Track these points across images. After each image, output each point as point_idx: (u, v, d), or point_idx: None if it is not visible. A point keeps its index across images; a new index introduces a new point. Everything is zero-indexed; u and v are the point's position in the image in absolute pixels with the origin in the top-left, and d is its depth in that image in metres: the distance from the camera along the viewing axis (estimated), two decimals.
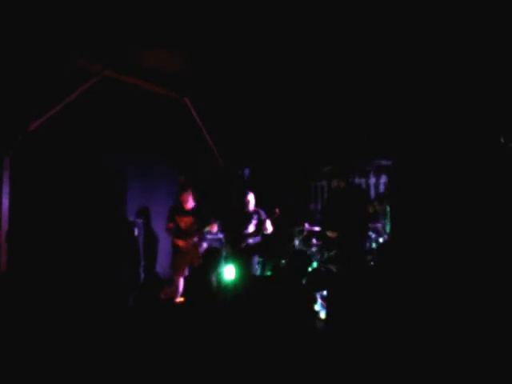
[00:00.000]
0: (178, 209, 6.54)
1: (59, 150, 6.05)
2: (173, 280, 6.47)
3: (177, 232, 6.50)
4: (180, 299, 6.39)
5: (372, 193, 7.79)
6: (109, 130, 6.59)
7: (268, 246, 6.89)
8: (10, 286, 5.28)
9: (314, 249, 6.83)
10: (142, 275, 6.80)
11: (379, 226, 6.59)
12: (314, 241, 6.95)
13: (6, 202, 5.55)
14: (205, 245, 6.63)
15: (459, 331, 4.02)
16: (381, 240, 6.41)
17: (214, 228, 6.54)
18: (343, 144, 7.68)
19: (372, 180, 7.89)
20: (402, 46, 5.53)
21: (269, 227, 6.45)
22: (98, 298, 5.66)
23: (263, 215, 6.53)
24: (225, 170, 8.28)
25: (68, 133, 6.11)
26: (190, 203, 6.54)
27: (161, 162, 7.56)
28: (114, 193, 6.83)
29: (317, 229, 6.91)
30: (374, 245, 6.36)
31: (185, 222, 6.50)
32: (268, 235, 6.58)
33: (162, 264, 7.18)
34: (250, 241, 6.49)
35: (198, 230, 6.44)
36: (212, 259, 6.85)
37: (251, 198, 6.59)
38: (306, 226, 7.04)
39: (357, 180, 7.99)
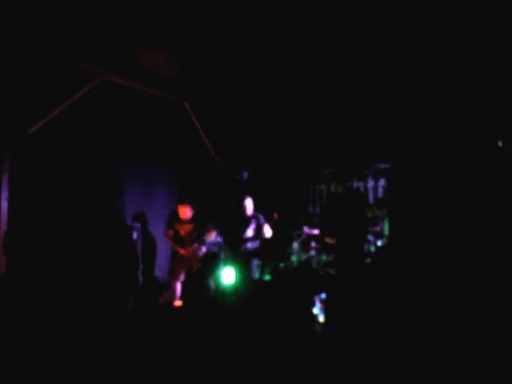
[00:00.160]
0: (178, 217, 6.53)
1: (59, 153, 6.04)
2: (170, 284, 6.46)
3: (176, 239, 6.50)
4: (178, 303, 6.38)
5: (370, 196, 7.80)
6: (108, 133, 6.59)
7: (267, 250, 6.89)
8: (9, 289, 5.27)
9: (312, 252, 6.83)
10: (141, 279, 6.79)
11: (378, 229, 6.59)
12: (313, 244, 6.95)
13: (4, 204, 5.54)
14: (204, 249, 6.63)
15: (458, 334, 4.02)
16: (379, 243, 6.42)
17: (213, 235, 6.56)
18: (342, 147, 7.69)
19: (370, 183, 7.90)
20: (400, 52, 5.56)
21: (267, 232, 6.46)
22: (96, 302, 5.65)
23: (262, 220, 6.53)
24: (224, 174, 8.28)
25: (67, 135, 6.11)
26: (188, 215, 6.52)
27: (160, 165, 7.56)
28: (113, 196, 6.82)
29: (315, 232, 6.91)
30: (372, 248, 6.36)
31: (185, 229, 6.50)
32: (267, 239, 6.59)
33: (161, 268, 7.16)
34: (249, 245, 6.49)
35: (198, 237, 6.46)
36: (211, 263, 6.86)
37: (249, 202, 6.58)
38: (305, 229, 7.05)
39: (355, 183, 8.00)
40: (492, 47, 4.95)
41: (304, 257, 6.86)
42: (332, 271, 5.74)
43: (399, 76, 5.91)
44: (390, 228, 5.95)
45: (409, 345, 4.01)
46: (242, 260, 6.42)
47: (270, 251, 7.08)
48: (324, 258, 6.38)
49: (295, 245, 7.02)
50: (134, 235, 6.79)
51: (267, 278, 6.89)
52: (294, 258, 6.94)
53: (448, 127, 5.21)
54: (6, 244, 5.53)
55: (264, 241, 6.61)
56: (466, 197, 4.87)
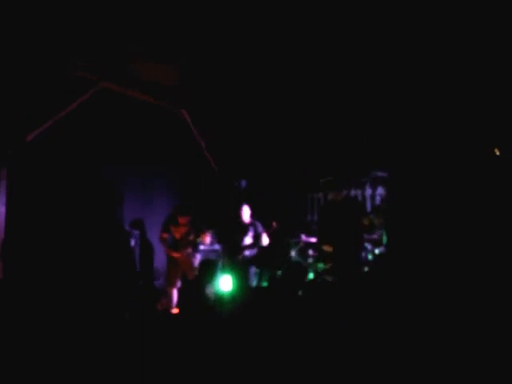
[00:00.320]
0: (174, 220, 6.53)
1: (57, 161, 6.06)
2: (166, 291, 6.45)
3: (171, 243, 6.49)
4: (176, 310, 6.36)
5: (368, 205, 7.81)
6: (106, 142, 6.61)
7: (264, 257, 6.88)
8: (6, 295, 5.25)
9: (310, 260, 6.83)
10: (139, 286, 6.78)
11: (375, 237, 6.60)
12: (311, 252, 6.95)
13: (2, 210, 5.54)
14: (198, 256, 6.62)
15: (456, 344, 4.02)
16: (377, 251, 6.42)
17: (207, 238, 6.52)
18: (339, 156, 7.72)
19: (368, 191, 7.91)
20: (398, 59, 5.59)
21: (265, 240, 6.46)
22: (94, 308, 5.63)
23: (260, 228, 6.53)
24: (222, 182, 8.30)
25: (66, 143, 6.13)
26: (187, 221, 6.52)
27: (158, 173, 7.58)
28: (112, 203, 6.83)
29: (313, 240, 6.91)
30: (370, 256, 6.37)
31: (180, 232, 6.49)
32: (264, 246, 6.59)
33: (159, 275, 7.15)
34: (247, 253, 6.49)
35: (193, 241, 6.43)
36: (208, 271, 6.84)
37: (246, 210, 6.59)
38: (303, 237, 7.05)
39: (353, 192, 8.01)
40: (492, 54, 4.99)
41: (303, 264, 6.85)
42: (330, 279, 5.74)
43: (398, 84, 5.95)
44: (388, 236, 5.97)
45: (407, 353, 4.00)
46: (239, 268, 6.41)
47: (267, 259, 7.08)
48: (321, 265, 6.38)
49: (293, 253, 7.02)
50: (132, 242, 6.79)
51: (265, 285, 6.88)
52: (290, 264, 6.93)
53: (446, 135, 5.24)
54: (4, 249, 5.52)
55: (262, 248, 6.61)
56: (465, 204, 4.89)
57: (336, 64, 5.83)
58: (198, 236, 6.39)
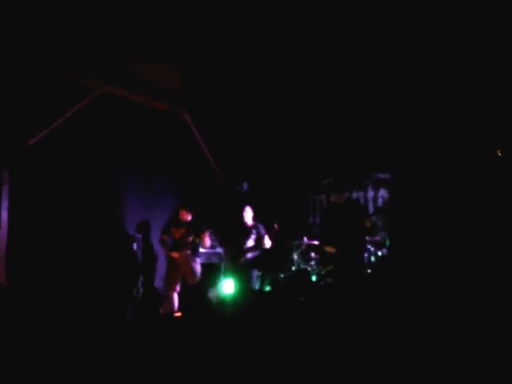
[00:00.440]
0: (176, 221, 6.53)
1: (58, 165, 6.06)
2: (167, 296, 6.43)
3: (171, 244, 6.49)
4: (178, 314, 6.35)
5: (370, 206, 7.80)
6: (108, 145, 6.61)
7: (267, 260, 6.87)
8: (9, 298, 5.25)
9: (312, 263, 6.81)
10: (141, 290, 6.77)
11: (378, 239, 6.58)
12: (313, 255, 6.93)
13: (5, 215, 5.55)
14: (199, 260, 6.60)
15: (458, 346, 4.00)
16: (380, 253, 6.41)
17: (206, 239, 6.48)
18: (342, 157, 7.71)
19: (370, 194, 7.90)
20: (399, 62, 5.59)
21: (267, 243, 6.44)
22: (96, 312, 5.62)
23: (262, 230, 6.51)
24: (224, 184, 8.29)
25: (67, 147, 6.13)
26: (188, 217, 6.52)
27: (160, 176, 7.58)
28: (113, 207, 6.83)
29: (315, 243, 6.90)
30: (372, 258, 6.35)
31: (180, 233, 6.47)
32: (267, 249, 6.57)
33: (161, 278, 7.14)
34: (249, 255, 6.47)
35: (193, 241, 6.40)
36: (211, 274, 6.84)
37: (248, 211, 6.58)
38: (305, 239, 7.03)
39: (355, 194, 7.99)
40: (494, 55, 4.98)
41: (304, 267, 6.84)
42: (332, 281, 5.73)
43: (400, 85, 5.94)
44: (391, 238, 5.95)
45: (408, 355, 3.99)
46: (242, 270, 6.40)
47: (269, 262, 7.06)
48: (323, 268, 6.38)
49: (295, 255, 7.00)
50: (134, 246, 6.79)
51: (267, 288, 6.87)
52: (294, 269, 6.92)
53: (449, 137, 5.23)
54: (7, 254, 5.52)
55: (264, 251, 6.59)
56: (468, 206, 4.87)
57: (338, 67, 5.83)
58: (197, 236, 6.37)
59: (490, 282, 4.39)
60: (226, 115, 7.58)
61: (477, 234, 4.70)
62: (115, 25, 4.81)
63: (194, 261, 6.47)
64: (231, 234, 6.69)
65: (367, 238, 6.06)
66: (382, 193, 7.75)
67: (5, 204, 5.56)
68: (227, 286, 6.23)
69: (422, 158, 5.50)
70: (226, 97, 6.94)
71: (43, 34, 4.97)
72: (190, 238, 6.39)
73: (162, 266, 7.23)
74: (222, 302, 6.18)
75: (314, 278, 6.40)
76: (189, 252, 6.39)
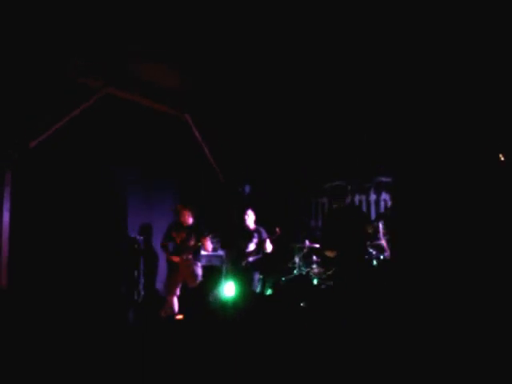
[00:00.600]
0: (177, 225, 6.52)
1: (60, 167, 6.07)
2: (166, 299, 6.42)
3: (172, 249, 6.49)
4: (179, 317, 6.34)
5: (372, 210, 7.78)
6: (110, 147, 6.62)
7: (268, 263, 6.85)
8: (11, 299, 5.25)
9: (314, 266, 6.80)
10: (142, 293, 6.77)
11: (380, 243, 6.55)
12: (315, 258, 6.92)
13: (6, 217, 5.55)
14: (200, 264, 6.59)
15: (460, 350, 3.98)
16: (381, 257, 6.39)
17: (208, 243, 6.47)
18: (343, 160, 7.70)
19: (372, 197, 7.89)
20: (401, 66, 5.59)
21: (269, 247, 6.43)
22: (97, 315, 5.62)
23: (264, 234, 6.50)
24: (225, 187, 8.29)
25: (69, 149, 6.14)
26: (188, 220, 6.51)
27: (162, 178, 7.58)
28: (115, 209, 6.83)
29: (317, 246, 6.88)
30: (374, 262, 6.33)
31: (181, 237, 6.47)
32: (268, 253, 6.55)
33: (163, 281, 7.14)
34: (251, 259, 6.46)
35: (194, 246, 6.40)
36: (212, 277, 6.82)
37: (250, 215, 6.57)
38: (307, 242, 7.01)
39: (357, 197, 7.98)
40: (496, 58, 4.97)
41: (305, 270, 6.82)
42: (332, 284, 5.71)
43: (402, 88, 5.94)
44: (393, 242, 5.93)
45: (409, 359, 3.97)
46: (243, 274, 6.39)
47: (271, 265, 7.05)
48: (324, 272, 6.36)
49: (297, 259, 6.98)
50: (136, 248, 6.79)
51: (269, 291, 6.86)
52: (295, 272, 6.90)
53: (451, 140, 5.22)
54: (9, 256, 5.53)
55: (265, 255, 6.58)
56: (471, 209, 4.86)
57: (340, 71, 5.83)
58: (198, 240, 6.36)
59: (492, 287, 4.38)
60: (228, 118, 7.59)
61: (480, 238, 4.68)
62: (117, 26, 4.82)
63: (196, 264, 6.46)
64: (233, 237, 6.68)
65: (369, 242, 6.05)
66: (384, 196, 7.73)
67: (7, 206, 5.57)
68: (228, 289, 6.22)
69: (424, 161, 5.49)
70: (228, 99, 6.95)
71: (44, 37, 4.98)
72: (192, 243, 6.38)
73: (163, 268, 7.22)
74: (223, 305, 6.17)
75: (315, 282, 6.38)
76: (190, 256, 6.38)
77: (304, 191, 8.62)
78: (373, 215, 7.67)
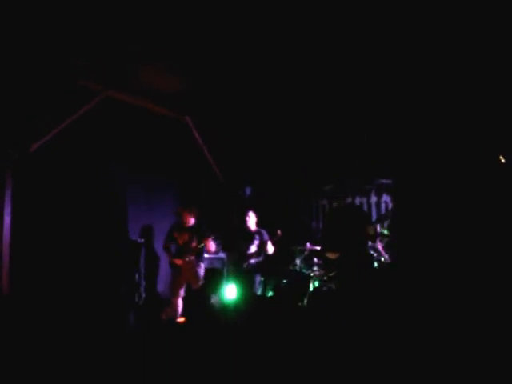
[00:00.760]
0: (179, 226, 6.52)
1: (61, 170, 6.07)
2: (170, 301, 6.42)
3: (175, 251, 6.48)
4: (181, 319, 6.34)
5: (373, 212, 7.78)
6: (110, 150, 6.63)
7: (270, 265, 6.85)
8: (13, 303, 5.26)
9: (315, 268, 6.79)
10: (143, 295, 6.76)
11: (381, 245, 6.55)
12: (316, 260, 6.91)
13: (8, 220, 5.56)
14: (203, 265, 6.58)
15: (461, 348, 3.98)
16: (383, 259, 6.38)
17: (210, 244, 6.45)
18: (344, 162, 7.70)
19: (373, 199, 7.88)
20: (400, 67, 5.59)
21: (270, 249, 6.43)
22: (98, 318, 5.62)
23: (265, 236, 6.49)
24: (226, 189, 8.29)
25: (70, 152, 6.14)
26: (191, 222, 6.51)
27: (162, 181, 7.58)
28: (116, 212, 6.83)
29: (318, 248, 6.87)
30: (375, 264, 6.32)
31: (183, 238, 6.47)
32: (270, 255, 6.55)
33: (164, 284, 7.14)
34: (252, 261, 6.46)
35: (196, 247, 6.39)
36: (214, 279, 6.82)
37: (252, 217, 6.56)
38: (308, 244, 7.01)
39: (358, 199, 7.97)
40: (498, 59, 4.97)
41: (307, 272, 6.82)
42: (334, 286, 5.71)
43: (403, 89, 5.94)
44: (394, 243, 5.92)
45: (409, 359, 3.97)
46: (244, 276, 6.39)
47: (272, 267, 7.05)
48: (325, 274, 6.35)
49: (298, 261, 6.98)
50: (137, 251, 6.79)
51: (270, 293, 6.86)
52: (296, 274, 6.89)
53: (453, 141, 5.21)
54: (10, 259, 5.53)
55: (267, 257, 6.58)
56: (473, 211, 4.84)
57: (341, 73, 5.84)
58: (200, 242, 6.36)
59: (494, 289, 4.36)
60: (228, 120, 7.59)
61: (481, 239, 4.67)
62: (117, 29, 4.82)
63: (199, 266, 6.46)
64: (234, 239, 6.69)
65: (370, 244, 6.04)
66: (385, 198, 7.73)
67: (8, 209, 5.57)
68: (230, 292, 6.22)
69: (425, 162, 5.48)
70: (228, 101, 6.95)
71: (44, 41, 4.98)
72: (194, 244, 6.38)
73: (164, 270, 7.23)
74: (224, 308, 6.17)
75: (316, 284, 6.38)
76: (192, 258, 6.38)
77: (304, 192, 8.62)
78: (373, 217, 7.66)
